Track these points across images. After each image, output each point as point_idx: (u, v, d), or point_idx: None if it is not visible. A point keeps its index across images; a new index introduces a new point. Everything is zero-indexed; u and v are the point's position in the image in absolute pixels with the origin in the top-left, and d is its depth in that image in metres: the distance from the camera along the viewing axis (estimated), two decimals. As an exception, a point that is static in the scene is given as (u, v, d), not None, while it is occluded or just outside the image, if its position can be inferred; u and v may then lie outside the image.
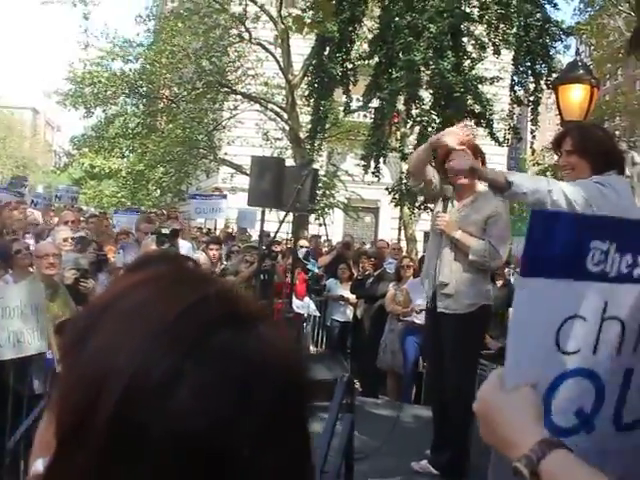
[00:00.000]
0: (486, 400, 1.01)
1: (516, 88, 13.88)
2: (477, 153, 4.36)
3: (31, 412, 4.07)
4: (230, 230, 14.15)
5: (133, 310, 0.56)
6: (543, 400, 1.00)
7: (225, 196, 13.64)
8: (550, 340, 1.00)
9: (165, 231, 7.91)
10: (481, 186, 4.42)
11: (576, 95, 7.68)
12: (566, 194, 3.28)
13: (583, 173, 3.77)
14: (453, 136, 4.27)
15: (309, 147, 15.32)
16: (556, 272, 0.99)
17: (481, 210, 4.39)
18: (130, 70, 21.17)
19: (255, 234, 13.83)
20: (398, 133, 16.45)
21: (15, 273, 5.86)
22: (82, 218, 10.23)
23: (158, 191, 24.11)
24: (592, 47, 23.96)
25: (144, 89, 21.46)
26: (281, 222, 5.57)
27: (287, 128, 20.77)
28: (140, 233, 9.02)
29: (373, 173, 14.06)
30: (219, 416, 0.52)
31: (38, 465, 0.57)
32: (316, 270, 10.66)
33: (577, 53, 10.86)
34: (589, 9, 21.03)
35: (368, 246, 14.41)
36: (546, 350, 1.01)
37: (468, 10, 13.57)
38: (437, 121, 13.23)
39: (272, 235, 7.10)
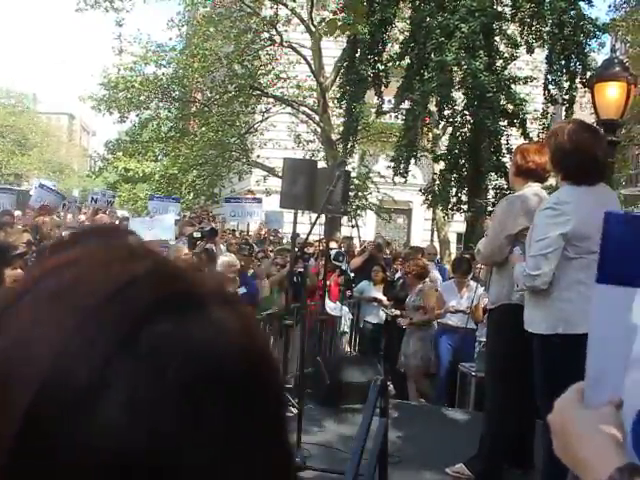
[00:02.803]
0: (562, 413, 0.93)
1: (550, 87, 13.70)
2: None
3: None
4: (262, 232, 14.16)
5: (50, 297, 0.45)
6: (629, 432, 0.90)
7: (260, 200, 13.66)
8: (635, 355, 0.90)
9: (197, 234, 7.97)
10: (532, 183, 4.31)
11: (612, 93, 7.54)
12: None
13: None
14: None
15: (342, 149, 15.29)
16: (637, 279, 0.88)
17: None
18: (163, 74, 21.35)
19: (287, 236, 13.85)
20: (430, 134, 16.35)
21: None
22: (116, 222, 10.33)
23: (191, 194, 24.27)
24: (628, 44, 23.51)
25: (177, 93, 21.65)
26: (313, 224, 5.53)
27: (319, 130, 20.78)
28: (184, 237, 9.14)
29: (402, 174, 13.98)
30: (158, 432, 0.41)
31: None
32: (349, 272, 10.63)
33: (613, 50, 10.69)
34: (625, 5, 20.63)
35: (402, 248, 14.35)
36: (630, 367, 0.91)
37: (500, 9, 13.44)
38: (470, 122, 13.13)
39: (304, 237, 7.08)
